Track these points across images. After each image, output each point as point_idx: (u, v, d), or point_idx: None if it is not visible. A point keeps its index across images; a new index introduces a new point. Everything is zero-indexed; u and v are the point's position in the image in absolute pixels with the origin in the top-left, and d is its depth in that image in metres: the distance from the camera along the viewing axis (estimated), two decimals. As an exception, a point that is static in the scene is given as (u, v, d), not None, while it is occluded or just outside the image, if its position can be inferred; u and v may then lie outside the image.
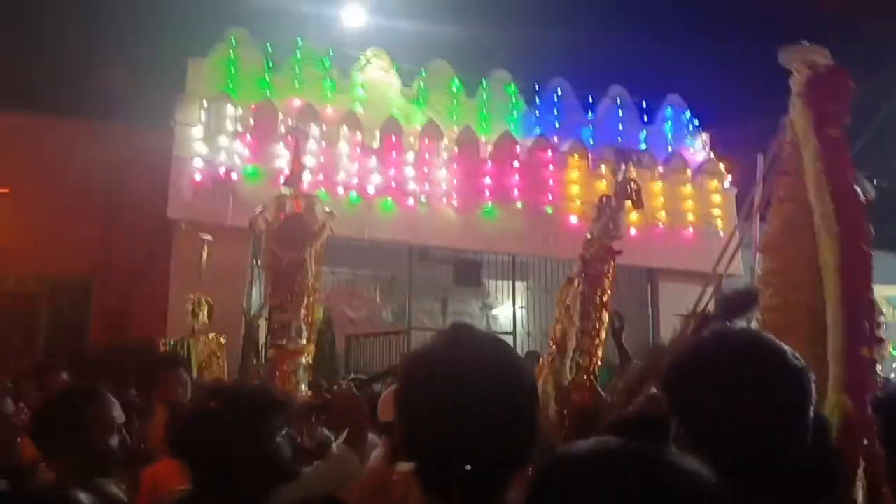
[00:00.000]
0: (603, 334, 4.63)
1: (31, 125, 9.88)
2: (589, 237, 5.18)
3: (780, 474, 1.44)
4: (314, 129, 9.84)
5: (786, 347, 1.53)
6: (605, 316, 4.71)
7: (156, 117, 9.77)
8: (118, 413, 2.70)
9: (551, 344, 4.95)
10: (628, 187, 5.16)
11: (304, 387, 6.55)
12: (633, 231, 10.32)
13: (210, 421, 2.06)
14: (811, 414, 1.49)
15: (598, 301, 4.79)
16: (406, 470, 2.32)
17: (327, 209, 7.09)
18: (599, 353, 4.65)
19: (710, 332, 1.74)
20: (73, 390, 2.83)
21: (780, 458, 1.44)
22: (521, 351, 9.43)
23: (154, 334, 8.44)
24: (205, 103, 9.59)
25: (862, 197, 3.55)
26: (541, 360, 5.01)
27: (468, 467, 1.30)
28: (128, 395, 4.45)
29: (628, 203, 5.15)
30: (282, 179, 8.94)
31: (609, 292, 4.91)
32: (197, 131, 9.50)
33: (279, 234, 6.68)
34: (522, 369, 1.43)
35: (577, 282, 4.91)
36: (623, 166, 5.16)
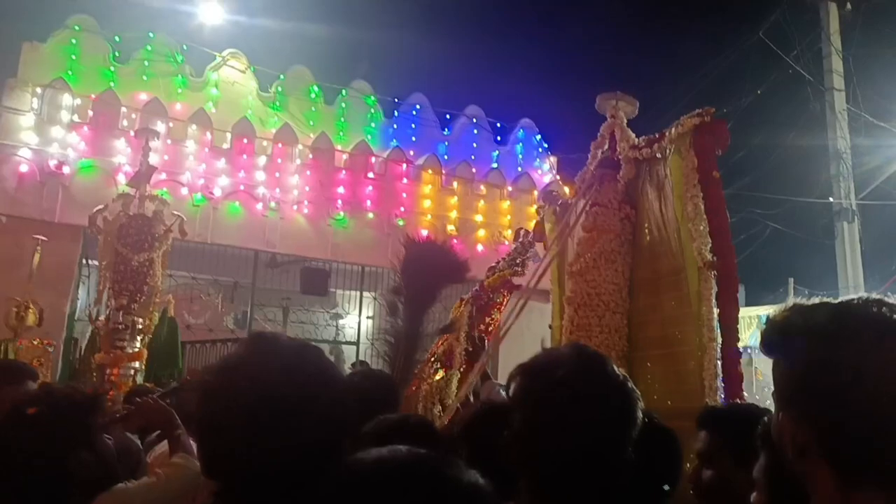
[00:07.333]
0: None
1: None
2: (494, 265, 5.29)
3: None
4: (160, 126, 9.44)
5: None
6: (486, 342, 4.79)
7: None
8: None
9: (430, 357, 4.98)
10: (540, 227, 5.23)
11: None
12: (479, 248, 10.58)
13: (30, 429, 1.94)
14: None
15: (483, 326, 4.98)
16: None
17: (175, 213, 6.87)
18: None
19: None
20: None
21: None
22: (368, 359, 9.37)
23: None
24: (38, 91, 8.98)
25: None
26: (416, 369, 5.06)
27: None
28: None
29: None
30: (122, 178, 8.57)
31: (497, 320, 5.07)
32: (27, 119, 8.86)
33: (123, 234, 6.42)
34: (330, 377, 1.40)
35: (468, 304, 5.02)
36: (547, 207, 5.22)
